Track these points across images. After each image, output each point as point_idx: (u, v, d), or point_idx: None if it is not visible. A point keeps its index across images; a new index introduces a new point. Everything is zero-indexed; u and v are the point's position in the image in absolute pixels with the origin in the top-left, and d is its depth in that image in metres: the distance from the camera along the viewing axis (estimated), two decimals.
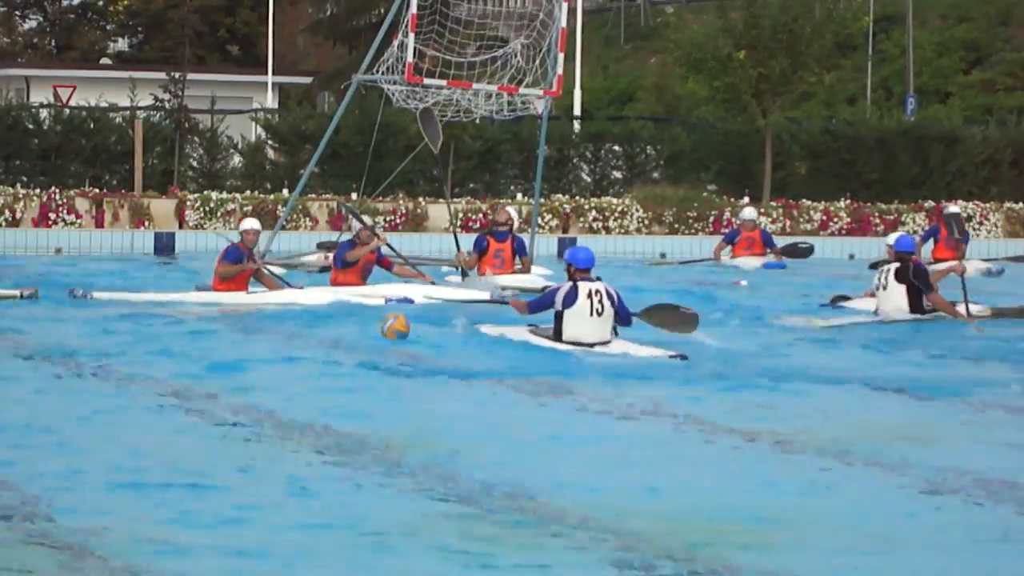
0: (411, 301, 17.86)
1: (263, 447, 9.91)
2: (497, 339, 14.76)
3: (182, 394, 11.79)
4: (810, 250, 26.68)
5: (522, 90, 22.22)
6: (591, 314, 13.79)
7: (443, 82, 21.82)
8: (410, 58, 21.19)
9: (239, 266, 17.88)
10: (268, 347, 14.54)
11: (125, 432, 10.33)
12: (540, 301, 14.43)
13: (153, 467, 9.07)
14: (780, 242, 26.85)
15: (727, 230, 28.75)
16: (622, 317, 14.05)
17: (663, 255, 29.18)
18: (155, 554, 7.21)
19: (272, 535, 7.61)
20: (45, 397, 11.81)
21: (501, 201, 29.77)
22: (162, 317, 16.46)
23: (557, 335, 14.05)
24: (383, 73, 21.70)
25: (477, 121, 23.67)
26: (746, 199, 32.93)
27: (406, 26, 21.31)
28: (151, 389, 12.02)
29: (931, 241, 25.13)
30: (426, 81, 21.68)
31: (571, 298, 13.85)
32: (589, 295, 13.76)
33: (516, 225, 21.38)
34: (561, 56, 22.21)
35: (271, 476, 8.94)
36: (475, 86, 22.01)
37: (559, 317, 13.99)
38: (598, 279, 14.07)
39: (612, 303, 13.87)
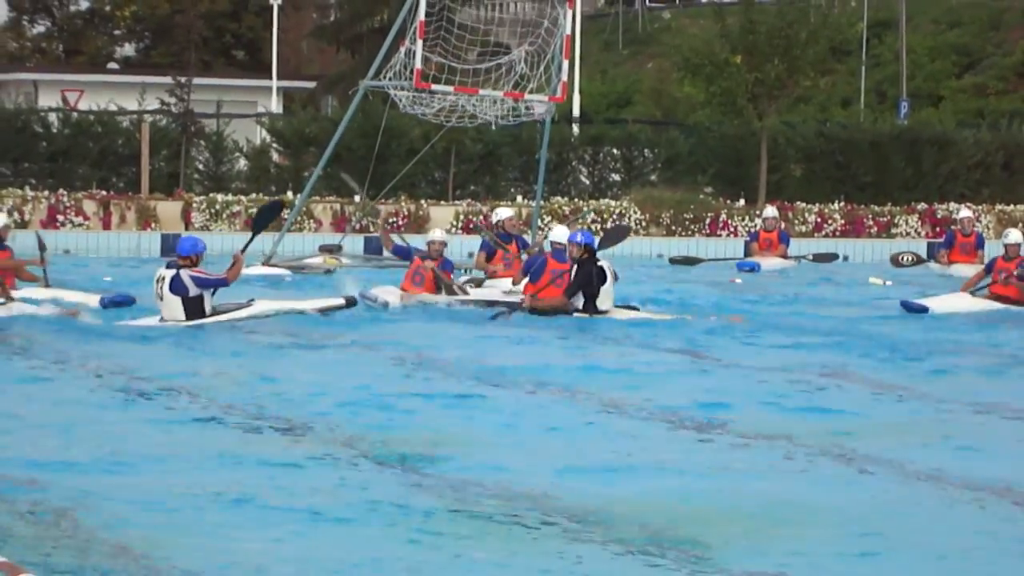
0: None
1: (264, 448, 9.87)
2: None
3: (183, 394, 11.87)
4: (834, 256, 27.53)
5: (527, 96, 22.47)
6: (156, 297, 15.61)
7: (450, 88, 22.06)
8: (418, 65, 21.51)
9: None
10: (270, 349, 14.66)
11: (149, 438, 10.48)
12: None
13: (165, 465, 9.19)
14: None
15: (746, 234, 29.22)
16: (211, 287, 15.58)
17: (660, 256, 29.61)
18: (163, 553, 7.27)
19: (271, 534, 7.67)
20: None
21: (499, 203, 30.15)
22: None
23: None
24: (390, 79, 22.05)
25: (491, 128, 24.02)
26: (742, 201, 33.38)
27: (414, 33, 21.55)
28: (161, 394, 12.03)
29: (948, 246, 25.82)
30: (433, 87, 22.01)
31: None
32: (157, 280, 15.60)
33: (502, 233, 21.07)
34: (566, 63, 22.48)
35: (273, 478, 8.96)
36: (481, 92, 22.32)
37: None
38: (179, 268, 15.34)
39: (175, 290, 15.36)
